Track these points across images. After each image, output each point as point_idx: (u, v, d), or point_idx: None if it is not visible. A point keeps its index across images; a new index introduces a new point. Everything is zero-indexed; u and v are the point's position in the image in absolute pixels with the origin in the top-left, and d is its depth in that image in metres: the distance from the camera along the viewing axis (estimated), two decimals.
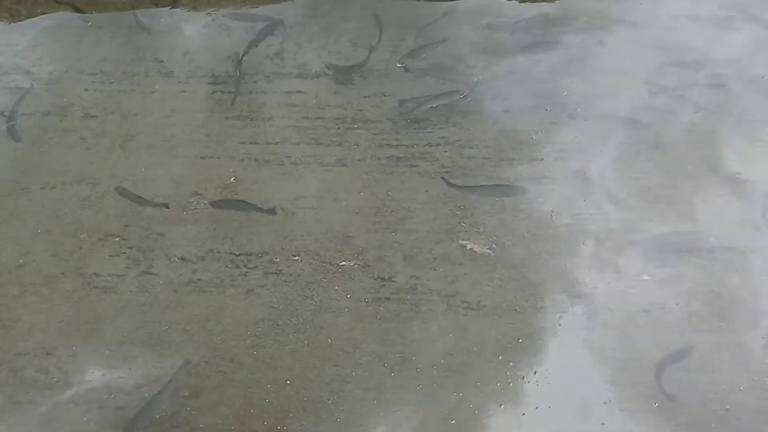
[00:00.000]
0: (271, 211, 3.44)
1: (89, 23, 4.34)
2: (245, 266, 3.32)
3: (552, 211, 3.44)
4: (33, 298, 3.25)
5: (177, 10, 4.40)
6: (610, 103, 3.84)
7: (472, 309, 3.16)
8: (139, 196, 3.50)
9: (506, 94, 3.90)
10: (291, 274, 3.28)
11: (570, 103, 3.85)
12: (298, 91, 3.97)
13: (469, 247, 3.35)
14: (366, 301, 3.19)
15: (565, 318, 3.11)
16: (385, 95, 3.94)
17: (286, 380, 2.98)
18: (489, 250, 3.33)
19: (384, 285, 3.24)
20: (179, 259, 3.35)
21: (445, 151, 3.67)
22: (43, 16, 4.39)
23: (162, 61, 4.13)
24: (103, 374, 3.03)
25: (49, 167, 3.67)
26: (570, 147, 3.67)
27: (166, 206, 3.46)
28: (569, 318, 3.11)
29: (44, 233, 3.45)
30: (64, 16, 4.39)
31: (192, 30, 4.30)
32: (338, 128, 3.80)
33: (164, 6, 4.42)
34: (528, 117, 3.80)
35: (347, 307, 3.18)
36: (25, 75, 4.09)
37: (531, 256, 3.30)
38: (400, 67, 4.03)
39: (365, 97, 3.93)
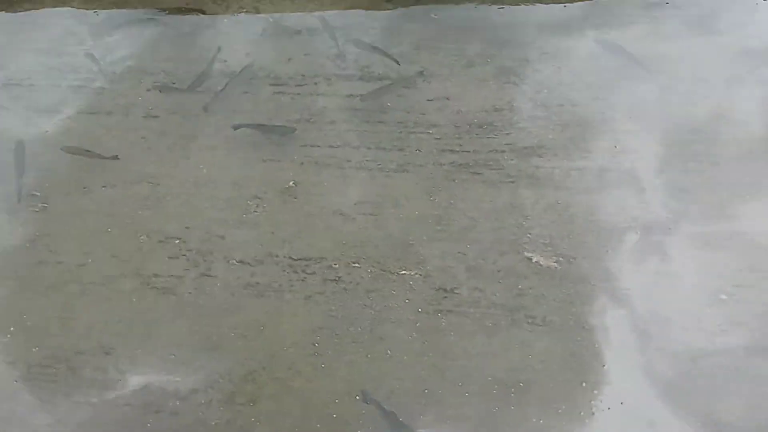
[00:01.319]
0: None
1: (154, 20, 4.34)
2: (303, 271, 3.26)
3: (623, 224, 3.28)
4: (93, 298, 3.25)
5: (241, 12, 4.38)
6: (688, 111, 3.65)
7: (538, 325, 3.03)
8: (88, 150, 3.67)
9: (575, 101, 3.75)
10: (350, 282, 3.21)
11: (644, 109, 3.68)
12: (361, 94, 3.88)
13: (534, 260, 3.21)
14: (427, 313, 3.09)
15: (635, 338, 2.96)
16: (448, 99, 3.83)
17: (345, 391, 2.90)
18: (555, 264, 3.20)
19: (446, 297, 3.13)
20: (238, 262, 3.31)
21: (512, 159, 3.54)
22: (108, 11, 4.40)
23: (225, 61, 4.10)
24: (159, 377, 3.00)
25: (111, 166, 3.66)
26: (647, 156, 3.49)
27: (116, 158, 3.67)
28: (639, 339, 2.96)
29: (104, 234, 3.44)
30: (129, 13, 4.40)
31: (254, 31, 4.26)
32: (400, 132, 3.71)
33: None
34: (599, 124, 3.64)
35: (408, 318, 3.08)
36: (88, 72, 4.11)
37: (600, 271, 3.15)
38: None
39: (428, 100, 3.83)
